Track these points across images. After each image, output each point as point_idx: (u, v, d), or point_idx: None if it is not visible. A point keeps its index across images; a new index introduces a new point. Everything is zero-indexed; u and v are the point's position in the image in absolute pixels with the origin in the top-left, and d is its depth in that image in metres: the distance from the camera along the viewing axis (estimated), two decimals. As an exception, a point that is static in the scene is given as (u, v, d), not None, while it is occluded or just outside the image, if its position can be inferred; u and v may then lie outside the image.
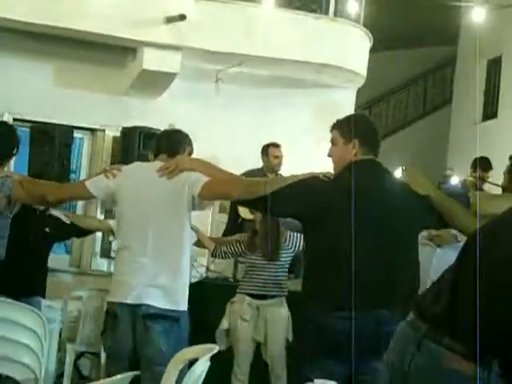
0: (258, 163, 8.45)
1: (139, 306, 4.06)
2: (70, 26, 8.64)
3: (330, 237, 3.74)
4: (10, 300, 5.20)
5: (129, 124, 9.27)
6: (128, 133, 9.24)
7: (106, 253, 9.26)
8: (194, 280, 7.42)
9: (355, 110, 10.59)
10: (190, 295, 6.66)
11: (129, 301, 4.08)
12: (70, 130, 9.33)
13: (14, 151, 4.73)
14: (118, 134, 9.46)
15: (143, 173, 4.30)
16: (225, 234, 7.92)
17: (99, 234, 8.99)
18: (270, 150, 8.40)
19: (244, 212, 7.06)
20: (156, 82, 9.34)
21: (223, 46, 9.19)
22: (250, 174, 7.65)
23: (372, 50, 10.50)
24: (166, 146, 4.46)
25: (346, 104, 10.05)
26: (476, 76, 13.29)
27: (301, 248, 6.23)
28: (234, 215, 8.01)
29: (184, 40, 8.95)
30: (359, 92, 10.88)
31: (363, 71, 10.21)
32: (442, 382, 2.28)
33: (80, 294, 6.88)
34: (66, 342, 6.70)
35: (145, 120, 9.21)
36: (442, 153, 15.12)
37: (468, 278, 2.25)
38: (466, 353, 2.21)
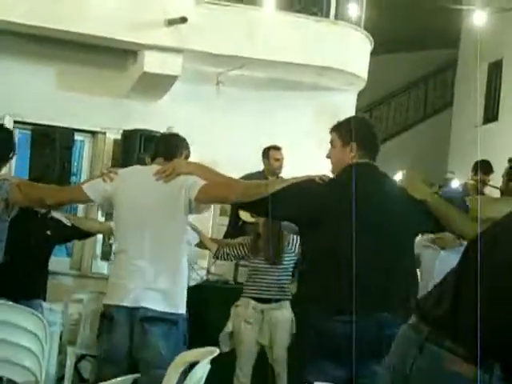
0: (259, 166, 8.45)
1: (137, 308, 4.06)
2: (71, 29, 8.64)
3: (325, 240, 3.74)
4: (10, 303, 5.20)
5: (130, 127, 9.27)
6: (129, 135, 9.25)
7: (106, 255, 9.25)
8: (194, 283, 7.42)
9: (356, 113, 10.58)
10: (190, 298, 6.65)
11: (126, 303, 4.08)
12: (70, 132, 9.33)
13: (11, 155, 4.72)
14: (118, 136, 9.45)
15: (140, 176, 4.31)
16: (225, 236, 7.92)
17: (100, 237, 9.00)
18: (270, 153, 8.40)
19: (245, 215, 7.05)
20: (157, 84, 9.34)
21: (224, 49, 9.20)
22: (250, 176, 7.65)
23: (373, 53, 10.51)
24: (163, 149, 4.48)
25: (346, 107, 10.04)
26: (477, 79, 13.31)
27: None
28: (234, 218, 8.01)
29: (185, 43, 8.95)
30: (360, 95, 10.88)
31: (364, 74, 10.21)
32: (445, 385, 2.28)
33: (81, 296, 6.88)
34: (67, 344, 6.70)
35: (146, 123, 9.21)
36: (443, 156, 15.13)
37: (470, 282, 2.25)
38: (467, 356, 2.21)
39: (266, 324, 6.24)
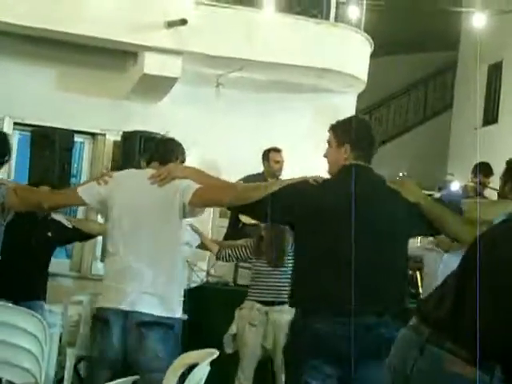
0: (259, 168, 8.45)
1: (133, 312, 4.05)
2: (71, 30, 8.64)
3: (317, 241, 3.74)
4: (10, 304, 5.21)
5: (129, 128, 9.27)
6: (129, 137, 9.25)
7: (106, 257, 9.25)
8: (194, 285, 7.43)
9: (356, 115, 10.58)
10: (190, 299, 6.66)
11: (123, 307, 4.07)
12: (70, 134, 9.33)
13: (7, 157, 4.72)
14: (118, 138, 9.46)
15: (135, 180, 4.31)
16: (225, 238, 7.92)
17: (100, 239, 8.98)
18: (270, 155, 8.40)
19: (245, 217, 7.06)
20: (157, 86, 9.34)
21: (224, 51, 9.20)
22: (250, 178, 7.65)
23: (373, 55, 10.51)
24: (158, 154, 4.50)
25: (346, 109, 10.03)
26: (477, 81, 13.31)
27: None
28: (234, 220, 8.01)
29: (185, 44, 8.96)
30: (360, 97, 10.88)
31: (364, 76, 10.21)
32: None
33: (80, 298, 6.88)
34: (66, 346, 6.69)
35: (145, 124, 9.21)
36: (443, 158, 15.13)
37: (470, 284, 2.25)
38: (468, 357, 2.21)
39: (270, 326, 6.24)
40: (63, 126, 9.28)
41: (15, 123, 9.31)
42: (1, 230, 4.62)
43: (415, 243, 7.94)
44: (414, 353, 2.34)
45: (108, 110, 9.52)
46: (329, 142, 3.98)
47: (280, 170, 8.28)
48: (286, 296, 6.25)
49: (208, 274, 7.78)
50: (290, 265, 6.29)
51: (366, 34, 10.28)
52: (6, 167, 9.08)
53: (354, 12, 10.18)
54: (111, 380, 3.55)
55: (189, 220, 6.44)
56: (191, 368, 3.41)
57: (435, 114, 16.90)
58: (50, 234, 6.64)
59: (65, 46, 9.03)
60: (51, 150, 9.04)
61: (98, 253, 9.48)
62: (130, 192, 4.23)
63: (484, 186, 8.17)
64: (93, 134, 9.72)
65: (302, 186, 3.81)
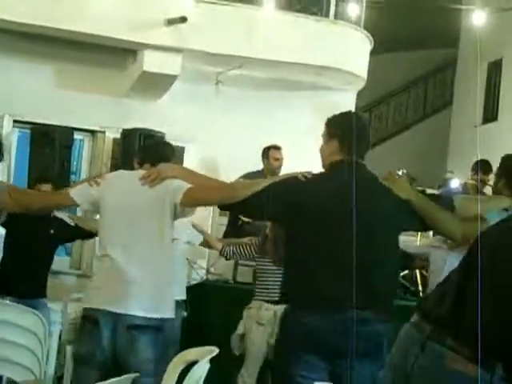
0: (259, 165, 8.45)
1: (124, 315, 4.04)
2: (71, 28, 8.64)
3: (306, 238, 3.74)
4: (9, 302, 5.21)
5: (129, 126, 9.27)
6: (128, 135, 9.25)
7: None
8: (194, 282, 7.43)
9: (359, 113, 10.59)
10: (190, 297, 6.68)
11: (113, 309, 4.05)
12: (70, 131, 9.33)
13: None
14: (118, 135, 9.46)
15: (126, 181, 4.31)
16: (225, 236, 7.93)
17: (99, 236, 8.99)
18: (270, 153, 8.40)
19: (244, 214, 7.05)
20: (156, 84, 9.34)
21: (224, 49, 9.20)
22: (250, 176, 7.66)
23: (372, 53, 10.51)
24: (150, 155, 4.52)
25: (346, 106, 9.96)
26: (476, 79, 13.30)
27: None
28: (234, 218, 8.01)
29: (185, 42, 8.95)
30: (359, 94, 10.88)
31: (363, 73, 10.21)
32: (445, 383, 2.28)
33: (80, 295, 6.87)
34: (66, 343, 6.69)
35: (145, 122, 9.21)
36: (443, 155, 15.13)
37: (472, 282, 2.25)
38: (469, 354, 2.21)
39: (278, 325, 6.23)
40: (63, 123, 9.28)
41: (15, 121, 9.31)
42: None
43: (417, 241, 7.96)
44: (415, 350, 2.35)
45: (108, 108, 9.51)
46: (322, 136, 3.99)
47: (279, 167, 8.28)
48: None
49: (208, 271, 7.78)
50: None
51: (365, 31, 10.28)
52: (5, 165, 9.15)
53: (354, 9, 10.19)
54: (98, 381, 3.55)
55: (189, 219, 6.47)
56: (191, 365, 3.41)
57: (435, 112, 16.89)
58: (52, 231, 6.65)
59: (65, 43, 9.03)
60: (51, 147, 9.04)
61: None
62: (121, 193, 4.23)
63: (484, 183, 8.18)
64: (92, 132, 9.72)
65: (291, 182, 3.80)
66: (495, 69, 14.41)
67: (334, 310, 3.60)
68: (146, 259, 4.12)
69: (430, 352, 2.31)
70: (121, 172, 4.59)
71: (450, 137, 15.53)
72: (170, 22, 8.82)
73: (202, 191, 4.12)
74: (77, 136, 9.52)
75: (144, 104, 9.56)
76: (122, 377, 3.23)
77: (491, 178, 8.28)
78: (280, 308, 6.22)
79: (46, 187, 6.58)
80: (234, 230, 7.89)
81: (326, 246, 3.68)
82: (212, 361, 3.47)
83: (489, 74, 14.52)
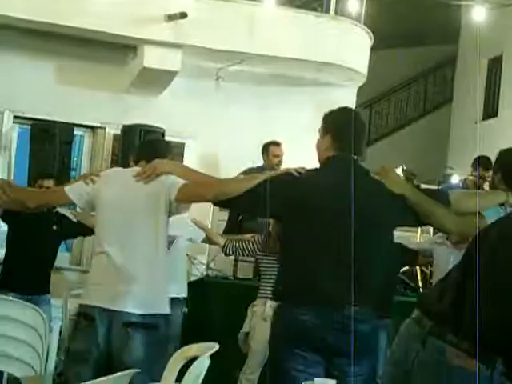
0: (259, 161, 8.45)
1: (119, 312, 4.03)
2: (71, 24, 8.63)
3: (299, 234, 3.74)
4: (10, 298, 5.21)
5: (129, 122, 9.26)
6: (128, 131, 9.24)
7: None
8: (194, 278, 7.44)
9: (356, 109, 10.57)
10: (189, 293, 6.68)
11: (108, 306, 4.05)
12: (70, 127, 9.33)
13: None
14: (118, 131, 9.45)
15: (122, 178, 4.30)
16: (225, 232, 7.92)
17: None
18: (270, 149, 8.40)
19: (244, 211, 7.05)
20: (156, 79, 9.34)
21: (224, 44, 9.19)
22: (250, 171, 7.65)
23: (373, 49, 10.50)
24: (145, 152, 4.51)
25: (346, 102, 9.88)
26: (476, 75, 13.31)
27: None
28: (233, 214, 8.01)
29: (185, 38, 8.94)
30: (360, 90, 10.87)
31: (364, 70, 10.20)
32: (446, 378, 2.29)
33: (80, 292, 6.88)
34: (66, 339, 6.70)
35: (145, 118, 9.21)
36: (443, 152, 15.13)
37: (472, 277, 2.26)
38: (470, 350, 2.22)
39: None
40: (63, 119, 9.28)
41: (15, 117, 9.31)
42: None
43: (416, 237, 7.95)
44: (416, 345, 2.35)
45: (108, 104, 9.51)
46: (318, 131, 4.00)
47: (279, 163, 8.27)
48: None
49: (208, 267, 7.79)
50: None
51: (366, 27, 10.27)
52: (6, 161, 9.16)
53: (354, 5, 10.19)
54: (93, 378, 3.55)
55: (188, 215, 6.47)
56: (191, 361, 3.42)
57: (435, 108, 16.89)
58: (55, 227, 6.65)
59: (65, 39, 9.02)
60: (51, 143, 9.03)
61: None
62: (116, 190, 4.22)
63: (484, 179, 8.17)
64: (93, 128, 9.72)
65: (285, 178, 3.80)
66: (495, 65, 14.41)
67: (326, 305, 3.60)
68: (141, 256, 4.11)
69: (431, 347, 2.31)
70: (116, 169, 4.61)
71: (450, 133, 15.53)
72: (171, 17, 8.81)
73: (197, 187, 4.11)
74: (77, 132, 9.52)
75: (144, 100, 9.56)
76: (122, 373, 3.23)
77: (491, 174, 8.29)
78: None
79: (49, 183, 6.59)
80: (233, 226, 7.90)
81: (320, 241, 3.68)
82: (212, 357, 3.48)
83: (489, 70, 14.52)
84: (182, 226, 6.32)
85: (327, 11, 10.12)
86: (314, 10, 10.07)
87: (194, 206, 5.98)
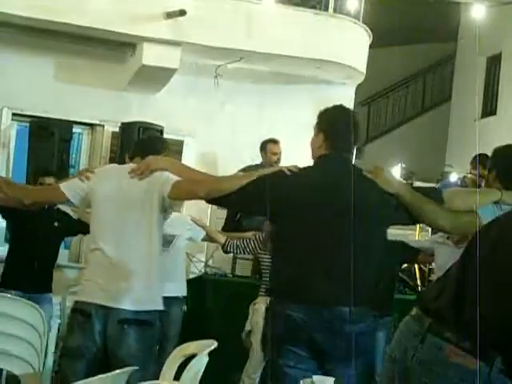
0: (258, 159, 8.45)
1: (115, 309, 4.03)
2: (70, 21, 8.62)
3: (291, 232, 3.75)
4: (9, 295, 5.22)
5: (128, 119, 9.27)
6: (127, 128, 9.24)
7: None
8: (192, 276, 7.44)
9: (354, 106, 10.59)
10: (188, 291, 6.68)
11: (104, 303, 4.05)
12: (69, 125, 9.33)
13: None
14: (117, 129, 9.45)
15: (117, 175, 4.30)
16: (223, 230, 7.93)
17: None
18: (268, 146, 8.40)
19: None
20: (155, 77, 9.33)
21: (223, 42, 9.18)
22: (249, 169, 7.65)
23: (371, 47, 10.50)
24: (140, 149, 4.52)
25: (345, 100, 9.98)
26: (475, 73, 13.30)
27: None
28: (232, 212, 8.01)
29: (183, 35, 8.94)
30: (358, 88, 10.87)
31: (362, 67, 10.20)
32: (444, 376, 2.29)
33: (79, 289, 6.88)
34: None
35: (144, 115, 9.21)
36: (441, 149, 15.13)
37: (472, 275, 2.26)
38: (469, 347, 2.22)
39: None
40: (62, 116, 9.28)
41: (14, 114, 9.30)
42: None
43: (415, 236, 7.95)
44: (415, 343, 2.35)
45: (106, 101, 9.51)
46: (313, 129, 4.01)
47: (278, 161, 8.26)
48: None
49: (206, 264, 7.79)
50: None
51: (364, 25, 10.26)
52: (5, 158, 9.15)
53: (353, 3, 10.19)
54: (89, 375, 3.55)
55: (188, 213, 6.47)
56: (190, 358, 3.43)
57: (434, 106, 16.88)
58: (56, 224, 6.64)
59: (64, 36, 9.02)
60: (50, 140, 9.03)
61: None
62: (111, 187, 4.23)
63: (483, 177, 8.17)
64: (91, 125, 9.72)
65: (277, 176, 3.81)
66: (494, 63, 14.40)
67: (317, 304, 3.61)
68: (136, 252, 4.12)
69: (430, 345, 2.31)
70: (111, 166, 4.62)
71: (449, 131, 15.53)
72: (169, 15, 8.81)
73: (189, 184, 4.11)
74: (76, 129, 9.51)
75: (143, 97, 9.56)
76: (121, 370, 3.23)
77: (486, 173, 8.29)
78: None
79: (49, 180, 6.58)
80: (232, 224, 7.90)
81: (311, 239, 3.69)
82: (211, 354, 3.48)
83: (488, 68, 14.51)
84: (181, 226, 6.32)
85: (326, 9, 10.11)
86: (313, 7, 10.06)
87: (193, 204, 5.98)
